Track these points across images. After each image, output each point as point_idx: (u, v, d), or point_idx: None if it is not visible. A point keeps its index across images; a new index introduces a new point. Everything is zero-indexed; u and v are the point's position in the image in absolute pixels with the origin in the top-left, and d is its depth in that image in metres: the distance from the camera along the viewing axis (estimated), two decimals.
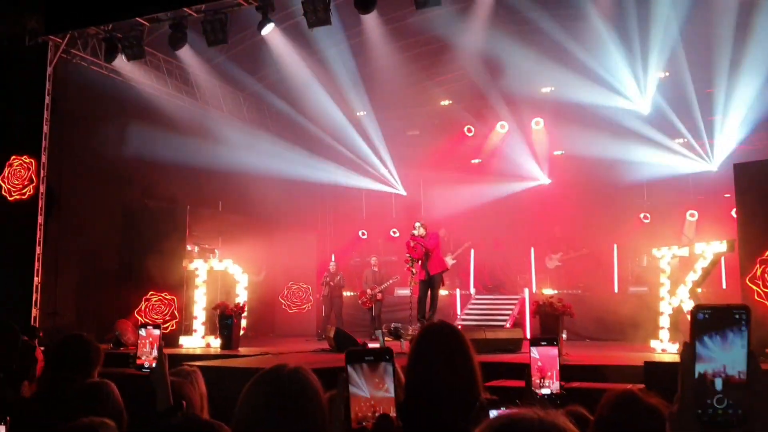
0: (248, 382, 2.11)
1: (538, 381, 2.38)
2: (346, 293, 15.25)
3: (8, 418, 2.35)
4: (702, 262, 9.58)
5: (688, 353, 1.18)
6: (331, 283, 14.77)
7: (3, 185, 12.49)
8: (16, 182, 12.40)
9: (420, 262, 11.68)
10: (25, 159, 12.43)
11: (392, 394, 1.66)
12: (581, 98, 14.46)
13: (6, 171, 12.51)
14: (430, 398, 2.33)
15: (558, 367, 2.40)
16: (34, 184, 12.30)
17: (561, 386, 2.38)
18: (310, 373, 2.14)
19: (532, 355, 2.41)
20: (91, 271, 13.30)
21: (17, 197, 12.36)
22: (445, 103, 17.27)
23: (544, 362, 2.40)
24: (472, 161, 17.15)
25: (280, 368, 2.13)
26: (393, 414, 1.65)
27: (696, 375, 1.16)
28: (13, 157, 12.48)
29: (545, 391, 2.38)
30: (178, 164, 13.60)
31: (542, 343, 2.44)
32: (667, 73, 14.42)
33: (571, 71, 14.12)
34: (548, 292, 13.17)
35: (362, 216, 18.18)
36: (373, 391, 1.67)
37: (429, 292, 11.76)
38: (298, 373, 2.11)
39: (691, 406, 1.16)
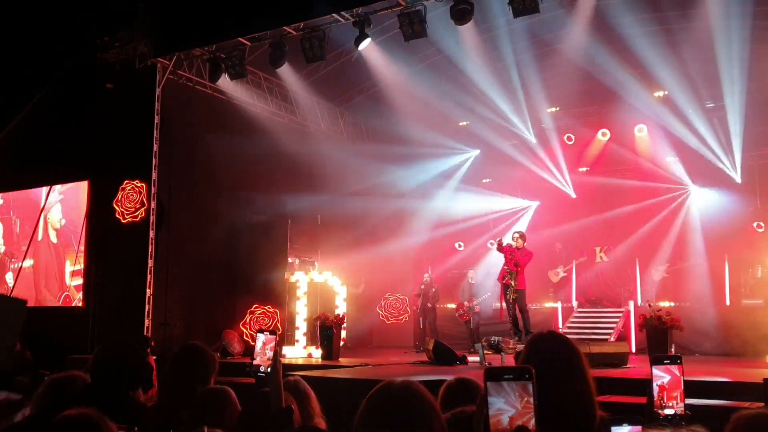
0: (360, 407, 2.07)
1: (660, 401, 2.28)
2: (443, 305, 15.17)
3: (136, 428, 2.46)
4: None
5: None
6: (426, 295, 14.76)
7: (117, 209, 13.18)
8: (129, 206, 13.08)
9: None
10: (137, 183, 13.06)
11: (532, 411, 1.66)
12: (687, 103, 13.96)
13: (119, 195, 13.19)
14: (548, 414, 2.25)
15: (682, 388, 2.29)
16: (145, 207, 12.91)
17: (685, 407, 2.27)
18: (421, 388, 2.07)
19: (654, 373, 2.31)
20: (199, 283, 13.75)
21: (130, 220, 13.03)
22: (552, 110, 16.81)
23: (668, 381, 2.30)
24: (580, 169, 16.65)
25: (389, 385, 2.07)
26: (533, 429, 1.65)
27: None
28: (126, 181, 13.15)
29: (668, 411, 2.28)
30: (279, 179, 13.94)
31: (665, 362, 2.34)
32: None
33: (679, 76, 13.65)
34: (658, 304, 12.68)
35: (458, 227, 18.01)
36: (512, 409, 1.67)
37: (516, 307, 11.60)
38: (409, 389, 2.05)
39: None
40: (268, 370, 2.84)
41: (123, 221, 13.04)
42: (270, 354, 2.89)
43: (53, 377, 3.91)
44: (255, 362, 2.91)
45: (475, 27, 12.31)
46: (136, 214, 12.94)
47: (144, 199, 12.92)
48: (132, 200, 13.05)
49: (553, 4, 12.31)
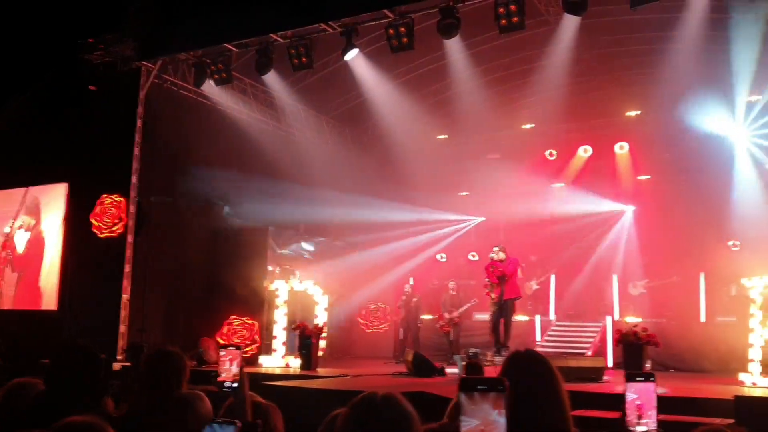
0: (341, 416, 2.07)
1: (634, 418, 2.32)
2: (424, 316, 15.17)
3: None
4: None
5: None
6: (408, 305, 14.73)
7: (94, 222, 12.88)
8: (107, 220, 12.77)
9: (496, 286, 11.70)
10: (116, 198, 12.78)
11: (503, 423, 1.66)
12: (669, 122, 14.13)
13: (97, 209, 12.89)
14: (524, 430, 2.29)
15: (655, 404, 2.33)
16: (123, 222, 12.65)
17: (658, 424, 2.31)
18: (403, 400, 2.07)
19: (628, 390, 2.35)
20: (178, 289, 13.66)
21: (107, 234, 12.75)
22: (527, 126, 16.95)
23: (641, 398, 2.33)
24: (554, 185, 16.81)
25: (371, 397, 2.07)
26: None
27: None
28: (104, 195, 12.89)
29: (641, 428, 2.31)
30: (262, 186, 13.90)
31: (638, 379, 2.38)
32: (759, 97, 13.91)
33: (659, 95, 13.80)
34: (632, 320, 12.78)
35: (441, 239, 18.03)
36: (484, 420, 1.67)
37: (502, 319, 11.72)
38: (391, 401, 2.05)
39: None
40: (234, 384, 2.85)
41: (100, 235, 12.76)
42: (235, 368, 2.91)
43: (9, 384, 3.84)
44: (220, 378, 2.93)
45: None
46: (114, 228, 12.67)
47: (122, 215, 12.66)
48: (110, 215, 12.76)
49: None
